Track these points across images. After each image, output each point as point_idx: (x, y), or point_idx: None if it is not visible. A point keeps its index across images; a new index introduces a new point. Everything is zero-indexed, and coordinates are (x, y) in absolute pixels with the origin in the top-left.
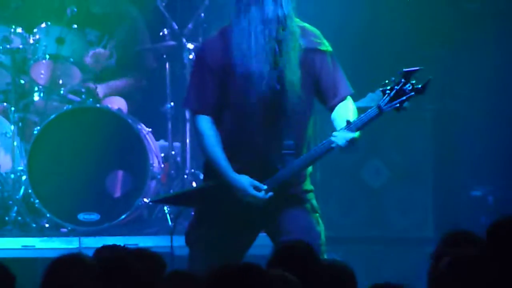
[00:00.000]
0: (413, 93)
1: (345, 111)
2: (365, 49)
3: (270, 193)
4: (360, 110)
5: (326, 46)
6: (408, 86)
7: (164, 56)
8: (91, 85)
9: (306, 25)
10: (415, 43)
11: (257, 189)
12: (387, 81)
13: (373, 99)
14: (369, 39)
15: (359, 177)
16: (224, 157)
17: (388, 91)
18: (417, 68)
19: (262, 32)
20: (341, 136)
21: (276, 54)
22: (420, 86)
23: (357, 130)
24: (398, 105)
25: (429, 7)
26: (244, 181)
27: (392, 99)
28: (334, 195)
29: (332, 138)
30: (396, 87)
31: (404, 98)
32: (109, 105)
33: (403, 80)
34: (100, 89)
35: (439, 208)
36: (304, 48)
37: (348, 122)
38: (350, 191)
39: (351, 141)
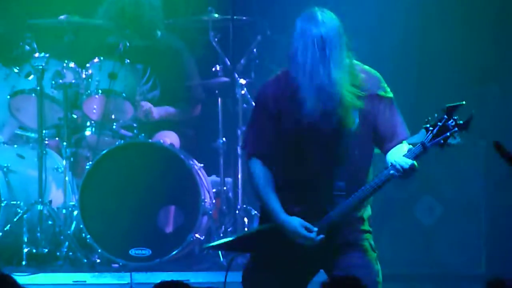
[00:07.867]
0: (456, 129)
1: (401, 153)
2: (418, 87)
3: (322, 236)
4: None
5: (387, 91)
6: (451, 122)
7: (217, 92)
8: (146, 105)
9: (367, 68)
10: (467, 79)
11: (308, 230)
12: (429, 118)
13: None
14: (420, 76)
15: (411, 214)
16: (275, 199)
17: (430, 128)
18: (460, 103)
19: (317, 75)
20: (401, 162)
21: (332, 96)
22: (462, 121)
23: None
24: (442, 141)
25: (480, 44)
26: (295, 222)
27: (435, 136)
28: (386, 232)
29: (393, 162)
30: (439, 123)
31: (447, 134)
32: (161, 140)
33: (445, 116)
34: (156, 111)
35: (492, 245)
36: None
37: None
38: (402, 228)
39: (412, 168)
